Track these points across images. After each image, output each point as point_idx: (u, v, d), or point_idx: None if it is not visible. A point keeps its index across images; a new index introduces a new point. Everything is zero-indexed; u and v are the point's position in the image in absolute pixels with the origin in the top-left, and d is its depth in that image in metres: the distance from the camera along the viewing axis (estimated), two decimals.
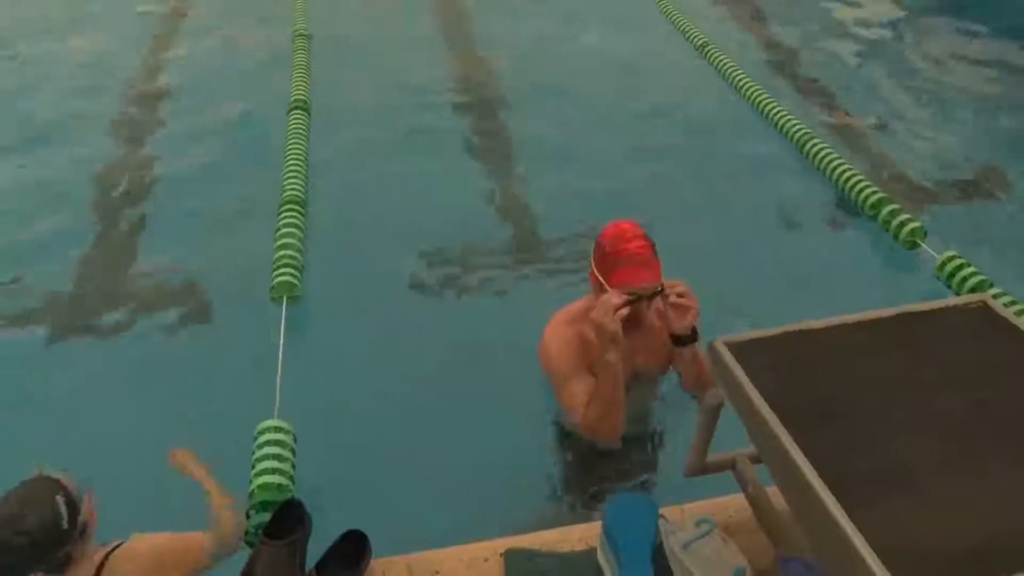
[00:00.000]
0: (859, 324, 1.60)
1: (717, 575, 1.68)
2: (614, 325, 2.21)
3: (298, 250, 3.88)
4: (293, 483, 2.64)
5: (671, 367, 2.56)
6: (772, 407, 1.40)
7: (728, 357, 1.51)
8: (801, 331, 1.57)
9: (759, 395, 1.42)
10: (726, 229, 4.27)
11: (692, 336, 2.32)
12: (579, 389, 2.42)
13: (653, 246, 2.32)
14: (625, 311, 2.22)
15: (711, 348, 1.55)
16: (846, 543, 1.22)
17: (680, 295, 2.26)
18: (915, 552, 1.20)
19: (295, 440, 2.80)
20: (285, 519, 1.91)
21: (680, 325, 2.30)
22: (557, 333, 2.49)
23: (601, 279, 2.32)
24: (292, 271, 3.70)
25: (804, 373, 1.51)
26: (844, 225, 4.45)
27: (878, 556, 1.18)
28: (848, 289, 3.81)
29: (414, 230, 4.23)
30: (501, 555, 1.94)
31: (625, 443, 2.55)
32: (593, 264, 2.37)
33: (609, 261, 2.30)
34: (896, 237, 4.18)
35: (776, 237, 4.28)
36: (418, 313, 3.69)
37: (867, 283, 3.97)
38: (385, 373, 3.27)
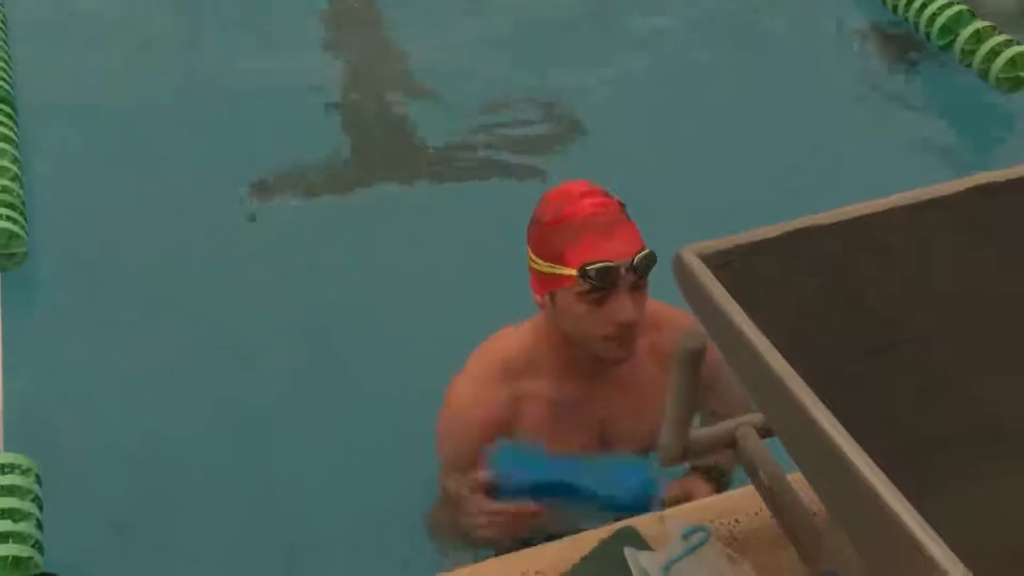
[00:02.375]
0: (918, 207, 1.54)
1: None
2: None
3: (15, 179, 3.81)
4: (41, 551, 2.65)
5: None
6: (780, 347, 1.33)
7: (705, 275, 1.44)
8: (821, 226, 1.51)
9: (758, 330, 1.35)
10: (720, 84, 4.28)
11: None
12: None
13: (622, 207, 2.29)
14: None
15: (676, 262, 1.48)
16: (914, 553, 1.17)
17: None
18: None
19: (40, 483, 2.79)
20: None
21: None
22: (468, 400, 2.43)
23: (549, 269, 2.25)
24: (8, 212, 3.65)
25: (830, 289, 1.47)
26: (903, 60, 4.46)
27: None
28: (911, 160, 3.82)
29: (215, 143, 4.24)
30: None
31: None
32: (531, 254, 2.31)
33: (554, 237, 2.25)
34: (986, 74, 4.16)
35: (798, 88, 4.29)
36: (230, 276, 3.69)
37: (942, 149, 3.99)
38: (177, 373, 3.29)
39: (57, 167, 4.17)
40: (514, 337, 2.48)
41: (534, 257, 2.30)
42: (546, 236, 2.27)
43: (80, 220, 3.93)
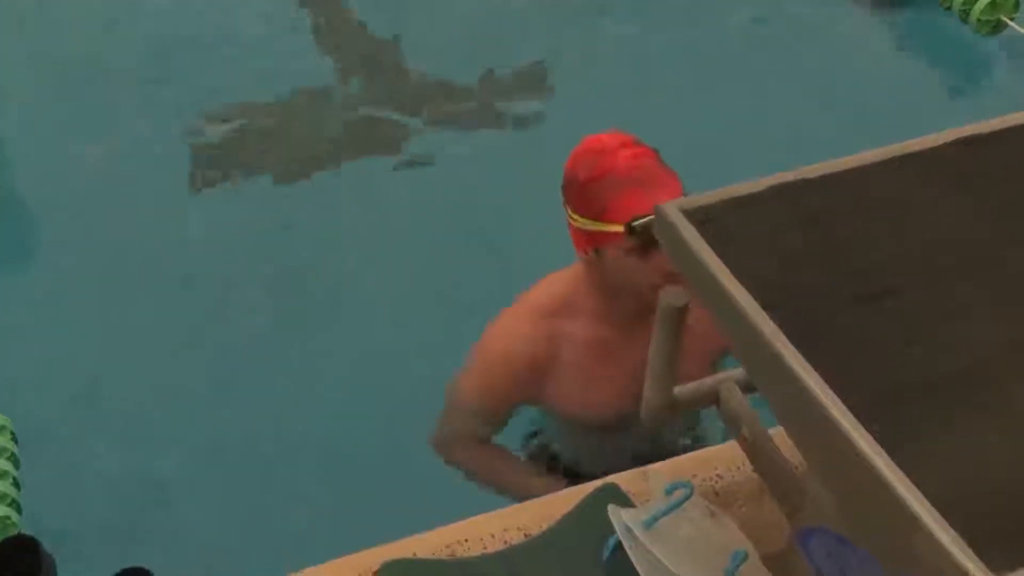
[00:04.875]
0: (899, 160, 1.54)
1: (703, 564, 1.67)
2: None
3: None
4: (19, 511, 2.63)
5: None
6: (761, 301, 1.34)
7: (688, 231, 1.44)
8: (804, 180, 1.52)
9: (740, 285, 1.36)
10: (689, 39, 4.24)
11: None
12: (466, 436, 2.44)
13: (657, 155, 2.25)
14: None
15: (658, 217, 1.48)
16: (893, 503, 1.18)
17: None
18: (1008, 511, 1.18)
19: (17, 443, 2.77)
20: (11, 565, 1.93)
21: None
22: (507, 333, 2.45)
23: (593, 227, 2.24)
24: None
25: (812, 243, 1.46)
26: (883, 3, 4.40)
27: (949, 524, 1.13)
28: (891, 105, 3.80)
29: (182, 70, 4.23)
30: (375, 573, 1.92)
31: None
32: (570, 213, 2.30)
33: (594, 193, 2.22)
34: (966, 17, 4.12)
35: (770, 40, 4.26)
36: (208, 216, 3.71)
37: (923, 93, 3.96)
38: (163, 321, 3.30)
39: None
40: (555, 281, 2.49)
41: (574, 216, 2.29)
42: (585, 193, 2.25)
43: (42, 169, 3.91)
